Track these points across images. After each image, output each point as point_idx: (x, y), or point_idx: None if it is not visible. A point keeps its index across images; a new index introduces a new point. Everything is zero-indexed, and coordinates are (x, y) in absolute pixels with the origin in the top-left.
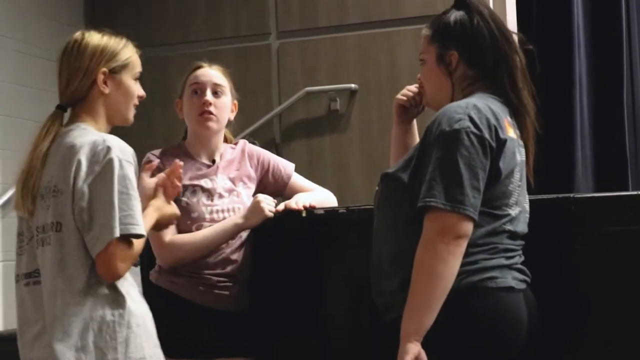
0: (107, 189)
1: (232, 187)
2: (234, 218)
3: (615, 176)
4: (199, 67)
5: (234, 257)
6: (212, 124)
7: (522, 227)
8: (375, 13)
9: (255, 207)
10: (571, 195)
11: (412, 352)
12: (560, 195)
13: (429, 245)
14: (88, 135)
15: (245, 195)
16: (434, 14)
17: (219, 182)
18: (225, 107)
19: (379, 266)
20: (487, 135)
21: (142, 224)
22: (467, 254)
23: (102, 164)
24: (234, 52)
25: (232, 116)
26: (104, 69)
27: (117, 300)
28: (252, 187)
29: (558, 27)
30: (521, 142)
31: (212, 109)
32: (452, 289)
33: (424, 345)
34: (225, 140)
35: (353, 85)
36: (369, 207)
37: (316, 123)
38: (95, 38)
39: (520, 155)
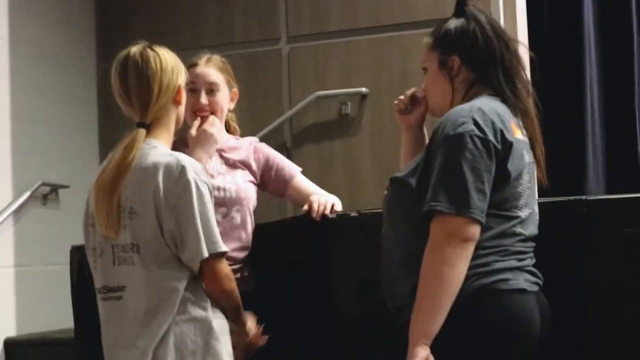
0: (190, 212)
1: (227, 169)
2: None
3: (626, 179)
4: (195, 65)
5: (234, 236)
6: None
7: (532, 229)
8: (386, 17)
9: (200, 136)
10: (583, 197)
11: (421, 356)
12: (573, 198)
13: (436, 248)
14: (159, 154)
15: (240, 177)
16: (445, 17)
17: (213, 164)
18: (219, 103)
19: (389, 270)
20: (491, 138)
21: (221, 242)
22: (478, 256)
23: (180, 187)
24: (244, 56)
25: (231, 105)
26: (181, 82)
27: (201, 308)
28: (250, 175)
29: (569, 33)
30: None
31: (206, 108)
32: (463, 291)
33: (435, 348)
34: (229, 129)
35: (364, 89)
36: (381, 211)
37: (327, 127)
38: (165, 53)
39: (529, 157)
